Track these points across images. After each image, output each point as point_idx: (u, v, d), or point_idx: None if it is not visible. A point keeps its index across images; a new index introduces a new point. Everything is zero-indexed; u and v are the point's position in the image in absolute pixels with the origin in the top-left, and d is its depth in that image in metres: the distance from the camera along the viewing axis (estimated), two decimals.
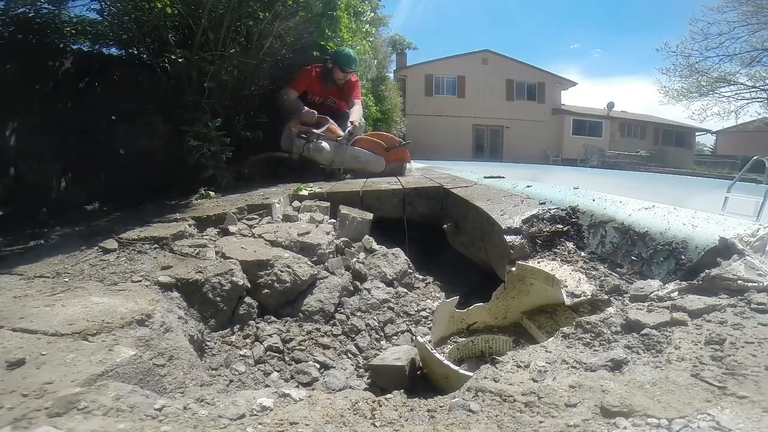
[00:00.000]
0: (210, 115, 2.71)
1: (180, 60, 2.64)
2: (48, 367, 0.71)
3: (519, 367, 0.78)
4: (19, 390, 0.64)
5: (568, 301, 1.12)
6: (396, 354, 1.26)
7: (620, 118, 26.72)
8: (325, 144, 3.14)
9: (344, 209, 2.10)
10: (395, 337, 1.54)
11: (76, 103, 2.85)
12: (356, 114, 3.53)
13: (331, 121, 3.34)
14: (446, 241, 2.28)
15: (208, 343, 1.24)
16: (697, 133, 29.34)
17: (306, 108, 3.29)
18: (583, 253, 1.40)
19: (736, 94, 20.83)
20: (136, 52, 3.23)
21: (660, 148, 25.98)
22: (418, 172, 3.88)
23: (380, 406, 0.67)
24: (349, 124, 3.32)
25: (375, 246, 2.00)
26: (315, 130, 3.19)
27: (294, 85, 3.54)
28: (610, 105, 26.10)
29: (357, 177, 3.31)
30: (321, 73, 3.62)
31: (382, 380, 1.24)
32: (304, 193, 2.36)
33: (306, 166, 3.29)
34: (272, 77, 3.71)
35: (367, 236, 2.05)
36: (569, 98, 27.52)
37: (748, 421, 0.53)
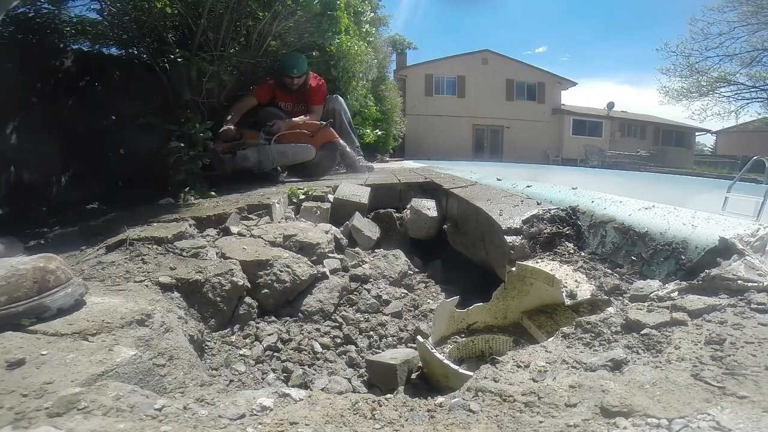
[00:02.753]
0: (204, 116, 2.71)
1: (179, 60, 2.64)
2: (48, 367, 0.71)
3: (519, 366, 0.78)
4: (19, 390, 0.64)
5: (567, 301, 1.12)
6: (394, 355, 1.27)
7: (620, 118, 26.70)
8: (247, 151, 3.20)
9: (356, 222, 2.12)
10: (395, 338, 1.54)
11: (76, 102, 2.85)
12: (296, 118, 3.55)
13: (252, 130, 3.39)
14: (446, 242, 2.29)
15: (208, 343, 1.24)
16: (697, 133, 29.34)
17: (224, 127, 3.30)
18: (583, 254, 1.40)
19: (736, 94, 20.84)
20: (135, 52, 3.23)
21: (660, 148, 25.97)
22: (416, 173, 3.88)
23: (380, 406, 0.67)
24: (271, 123, 3.35)
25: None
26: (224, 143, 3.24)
27: (255, 93, 3.59)
28: (610, 105, 26.08)
29: (306, 174, 3.48)
30: (278, 81, 3.66)
31: (374, 376, 1.25)
32: (302, 196, 2.36)
33: (247, 175, 3.33)
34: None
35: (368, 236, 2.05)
36: (569, 98, 27.51)
37: (748, 421, 0.53)
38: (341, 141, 3.66)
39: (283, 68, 3.57)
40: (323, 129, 3.50)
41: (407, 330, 1.57)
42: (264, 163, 3.25)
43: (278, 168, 3.47)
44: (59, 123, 2.64)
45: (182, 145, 2.55)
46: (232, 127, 3.32)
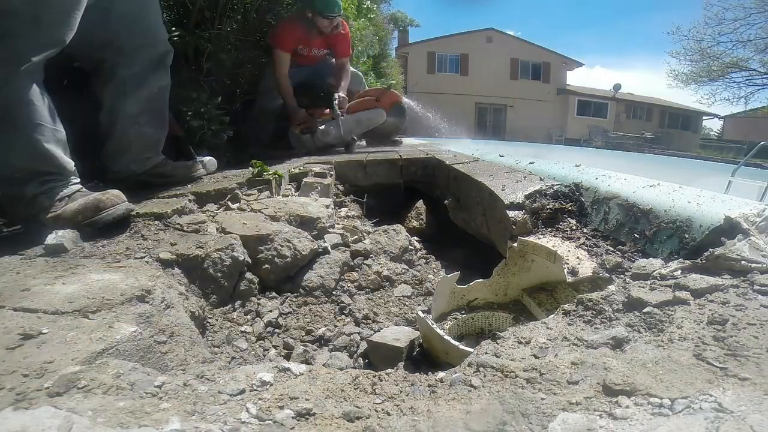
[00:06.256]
0: (208, 94, 2.67)
1: (176, 38, 2.58)
2: (48, 346, 0.71)
3: (520, 342, 0.78)
4: (20, 370, 0.64)
5: (569, 278, 1.11)
6: (396, 335, 1.25)
7: (626, 100, 26.45)
8: (327, 127, 3.34)
9: None
10: (396, 314, 1.54)
11: (71, 84, 2.81)
12: (343, 82, 3.54)
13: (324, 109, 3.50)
14: (447, 218, 2.28)
15: (210, 320, 1.25)
16: (704, 117, 29.08)
17: (294, 110, 3.43)
18: (585, 230, 1.39)
19: (747, 79, 20.64)
20: None
21: (665, 130, 25.82)
22: (418, 149, 3.86)
23: (381, 381, 0.67)
24: (335, 97, 3.36)
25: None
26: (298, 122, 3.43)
27: (284, 46, 3.30)
28: (617, 87, 25.80)
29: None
30: (309, 22, 3.34)
31: (377, 358, 1.23)
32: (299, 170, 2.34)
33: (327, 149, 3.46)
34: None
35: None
36: (575, 79, 27.21)
37: (749, 403, 0.53)
38: (406, 99, 3.66)
39: (322, 7, 3.16)
40: (388, 92, 3.55)
41: (408, 305, 1.57)
42: (345, 134, 3.39)
43: (354, 137, 3.54)
44: (57, 104, 2.60)
45: (204, 122, 2.55)
46: (303, 110, 3.47)
